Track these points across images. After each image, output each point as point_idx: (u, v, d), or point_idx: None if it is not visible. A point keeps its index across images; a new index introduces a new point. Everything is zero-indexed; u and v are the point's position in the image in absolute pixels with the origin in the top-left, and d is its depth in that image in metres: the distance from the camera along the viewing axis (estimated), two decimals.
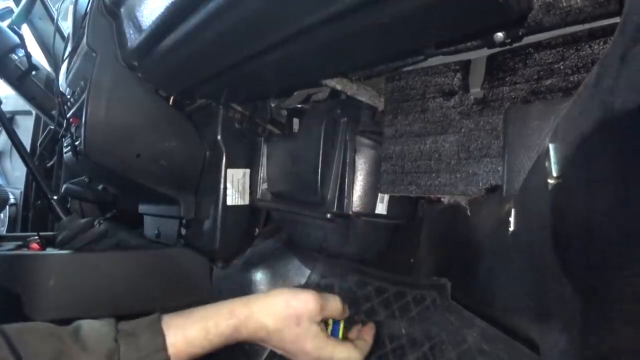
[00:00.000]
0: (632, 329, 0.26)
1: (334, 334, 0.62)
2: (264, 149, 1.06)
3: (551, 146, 0.37)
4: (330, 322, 0.63)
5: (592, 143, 0.30)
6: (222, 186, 1.03)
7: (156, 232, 1.25)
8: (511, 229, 0.51)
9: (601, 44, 0.55)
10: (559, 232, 0.36)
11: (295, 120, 1.02)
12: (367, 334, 0.65)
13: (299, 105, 0.98)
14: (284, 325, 0.58)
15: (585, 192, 0.31)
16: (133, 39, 0.83)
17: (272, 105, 1.01)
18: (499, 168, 0.64)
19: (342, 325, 0.63)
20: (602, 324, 0.30)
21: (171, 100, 1.01)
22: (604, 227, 0.28)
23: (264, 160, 1.06)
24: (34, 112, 1.92)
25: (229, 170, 1.03)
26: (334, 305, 0.61)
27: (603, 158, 0.28)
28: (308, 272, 0.94)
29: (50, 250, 1.00)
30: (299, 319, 0.58)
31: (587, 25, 0.56)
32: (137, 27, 0.80)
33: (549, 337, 0.42)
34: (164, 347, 0.54)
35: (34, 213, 1.70)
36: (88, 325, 0.54)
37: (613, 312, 0.28)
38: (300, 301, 0.59)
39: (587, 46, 0.56)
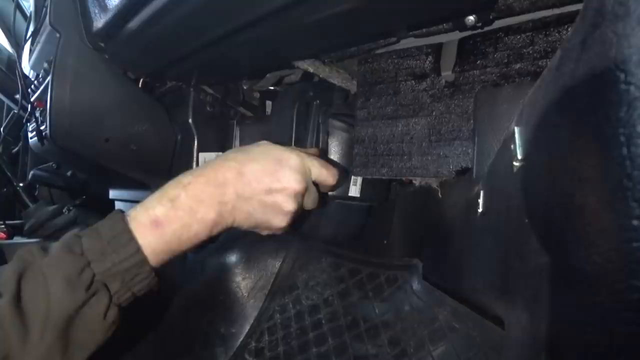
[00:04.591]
0: (585, 305, 0.27)
1: None
2: (237, 132, 1.05)
3: (516, 129, 0.38)
4: None
5: (552, 126, 0.31)
6: None
7: None
8: (480, 210, 0.52)
9: (568, 29, 0.56)
10: (522, 213, 0.37)
11: (268, 103, 1.01)
12: None
13: (272, 88, 0.97)
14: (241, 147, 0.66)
15: (546, 173, 0.32)
16: (99, 18, 0.80)
17: (244, 87, 1.00)
18: (469, 150, 0.65)
19: None
20: (559, 301, 0.31)
21: (140, 83, 0.99)
22: (563, 207, 0.29)
23: (236, 143, 1.05)
24: None
25: (201, 154, 1.02)
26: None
27: (562, 140, 0.29)
28: (283, 254, 0.94)
29: (17, 239, 0.98)
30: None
31: (556, 11, 0.57)
32: (103, 6, 0.77)
33: (512, 315, 0.44)
34: (126, 230, 0.53)
35: None
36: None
37: (568, 290, 0.29)
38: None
39: (555, 31, 0.57)
